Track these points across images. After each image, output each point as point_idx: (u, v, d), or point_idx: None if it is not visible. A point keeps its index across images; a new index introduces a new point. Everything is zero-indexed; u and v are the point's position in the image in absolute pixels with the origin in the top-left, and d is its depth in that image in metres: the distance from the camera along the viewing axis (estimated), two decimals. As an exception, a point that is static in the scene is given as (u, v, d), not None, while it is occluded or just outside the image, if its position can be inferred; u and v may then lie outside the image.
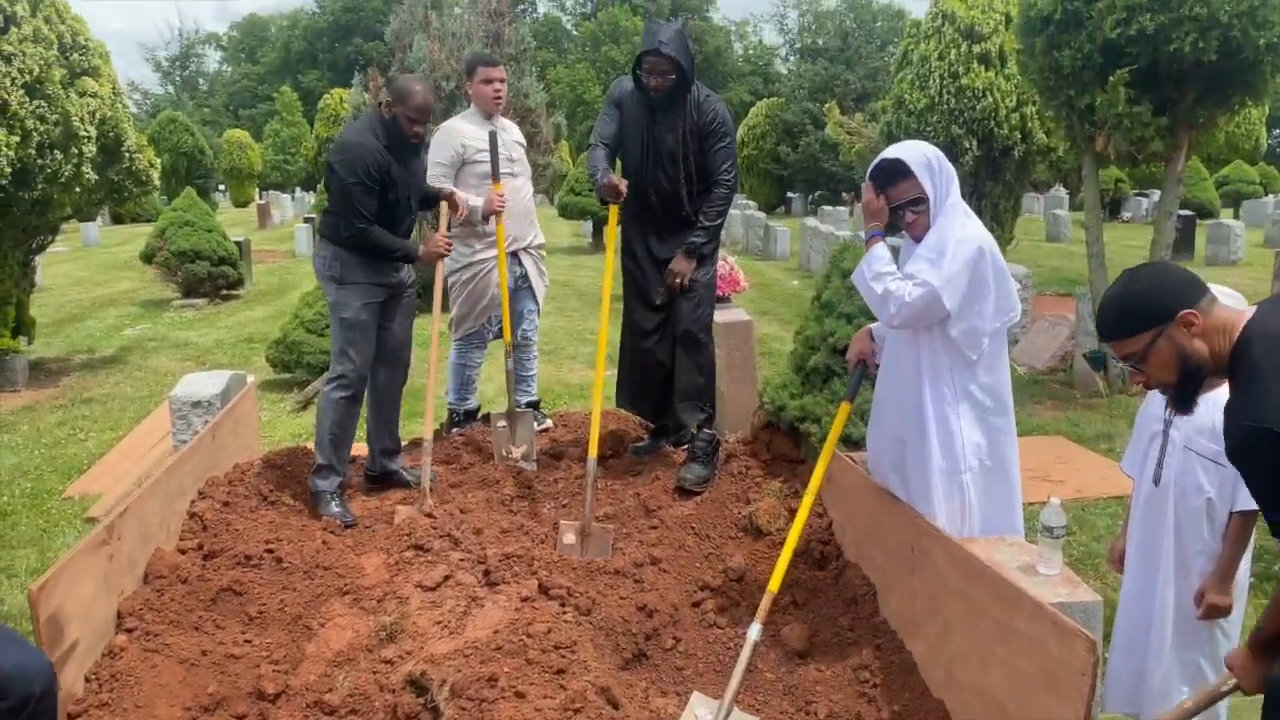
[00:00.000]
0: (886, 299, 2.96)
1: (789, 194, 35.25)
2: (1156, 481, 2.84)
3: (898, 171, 2.98)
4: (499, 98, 4.95)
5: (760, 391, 4.56)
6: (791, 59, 66.13)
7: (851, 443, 3.87)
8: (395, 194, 4.16)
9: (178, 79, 74.57)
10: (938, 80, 10.83)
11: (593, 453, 4.00)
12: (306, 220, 19.90)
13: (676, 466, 4.41)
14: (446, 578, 3.46)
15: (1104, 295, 2.16)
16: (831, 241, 14.98)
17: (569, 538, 3.82)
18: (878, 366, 3.32)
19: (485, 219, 4.78)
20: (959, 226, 2.95)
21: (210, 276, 13.04)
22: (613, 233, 4.27)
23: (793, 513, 4.01)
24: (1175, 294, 2.03)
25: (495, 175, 4.63)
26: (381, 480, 4.59)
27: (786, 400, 4.20)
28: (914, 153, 2.98)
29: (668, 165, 4.04)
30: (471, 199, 4.75)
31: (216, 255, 13.07)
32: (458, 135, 4.87)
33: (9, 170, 7.44)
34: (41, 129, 7.60)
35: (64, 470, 6.07)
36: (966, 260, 2.90)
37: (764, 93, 49.25)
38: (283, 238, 22.54)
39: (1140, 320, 2.05)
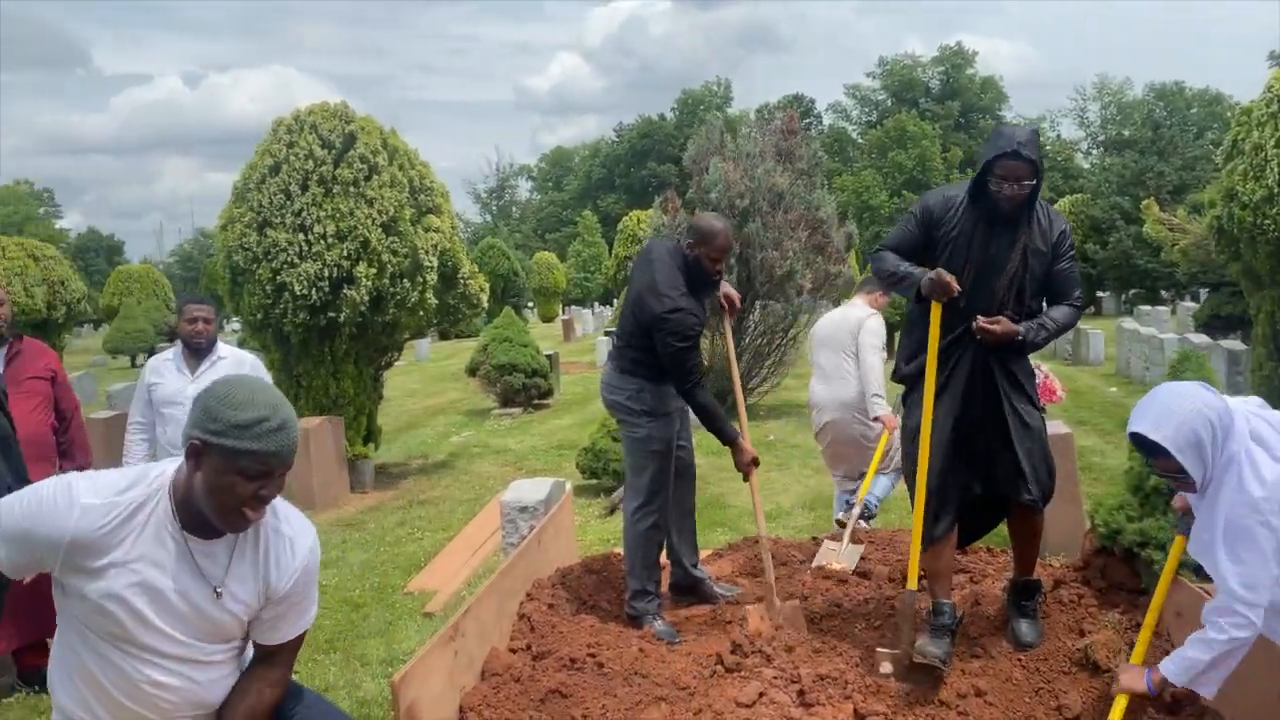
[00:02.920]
0: (1225, 652, 2.70)
1: (1099, 293, 33.03)
2: None
3: (1156, 450, 2.67)
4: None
5: (1091, 513, 4.23)
6: (1095, 152, 62.87)
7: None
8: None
9: (494, 208, 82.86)
10: (1276, 169, 9.82)
11: (912, 583, 3.69)
12: (606, 334, 21.11)
13: (995, 590, 4.15)
14: (761, 695, 3.44)
15: None
16: (1153, 344, 13.80)
17: (886, 667, 3.64)
18: None
19: None
20: (1234, 493, 2.63)
21: (525, 387, 14.12)
22: (935, 334, 3.69)
23: (1135, 648, 3.65)
24: None
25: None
26: (688, 590, 4.68)
27: (1123, 523, 3.87)
28: (1178, 431, 2.62)
29: (994, 279, 3.61)
30: None
31: (530, 368, 14.17)
32: None
33: (368, 298, 8.55)
34: (394, 261, 8.70)
35: (404, 567, 6.68)
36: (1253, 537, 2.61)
37: (1064, 189, 46.91)
38: (584, 350, 23.99)
39: None
